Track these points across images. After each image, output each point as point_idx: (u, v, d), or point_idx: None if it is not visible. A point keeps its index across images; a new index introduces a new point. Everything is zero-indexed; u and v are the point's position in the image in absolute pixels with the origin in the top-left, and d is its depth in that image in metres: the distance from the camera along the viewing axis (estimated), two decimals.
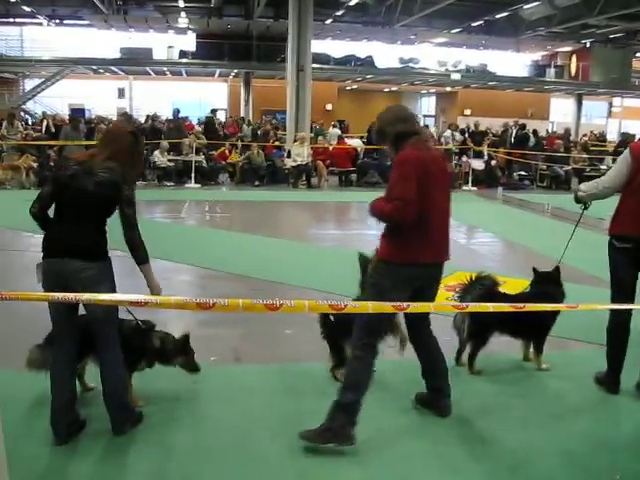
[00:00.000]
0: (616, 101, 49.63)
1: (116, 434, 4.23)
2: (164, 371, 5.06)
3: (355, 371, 4.31)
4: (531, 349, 5.77)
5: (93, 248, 4.06)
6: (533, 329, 5.56)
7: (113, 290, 4.10)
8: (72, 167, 4.06)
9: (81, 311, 4.16)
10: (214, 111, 33.38)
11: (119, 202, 4.08)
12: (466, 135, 23.61)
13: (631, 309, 4.99)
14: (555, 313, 5.44)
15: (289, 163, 19.87)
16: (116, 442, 4.20)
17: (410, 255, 4.24)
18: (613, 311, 5.07)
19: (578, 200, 5.40)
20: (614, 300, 5.06)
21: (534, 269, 5.80)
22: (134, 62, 35.42)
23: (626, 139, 19.23)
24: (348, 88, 46.54)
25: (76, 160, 4.15)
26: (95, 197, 3.99)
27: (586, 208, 5.45)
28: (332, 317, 5.04)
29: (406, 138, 4.27)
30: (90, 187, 3.96)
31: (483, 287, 5.40)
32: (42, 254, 4.07)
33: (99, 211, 4.08)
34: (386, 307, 3.70)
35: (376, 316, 4.10)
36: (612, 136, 38.17)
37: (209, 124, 24.71)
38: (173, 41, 36.44)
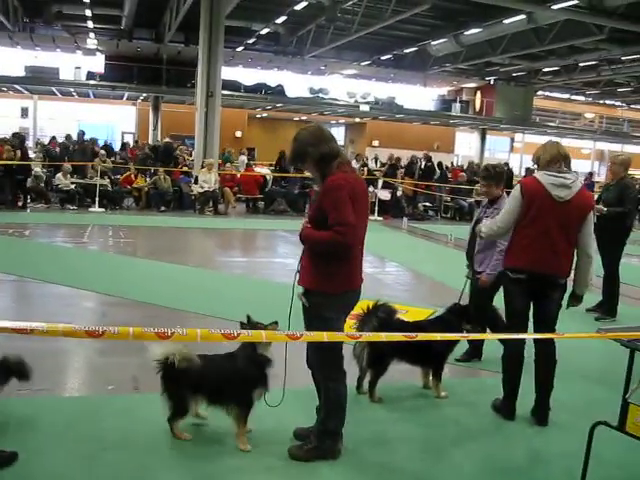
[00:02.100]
0: (518, 137, 51.59)
1: None
2: (57, 399, 4.89)
3: (333, 401, 4.36)
4: (430, 377, 5.86)
5: None
6: (430, 357, 5.66)
7: None
8: None
9: None
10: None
11: None
12: (376, 166, 24.01)
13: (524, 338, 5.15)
14: (452, 342, 5.57)
15: (196, 189, 19.70)
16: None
17: (346, 282, 4.24)
18: (508, 340, 5.21)
19: (481, 237, 5.60)
20: (509, 329, 5.20)
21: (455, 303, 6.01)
22: (39, 81, 34.48)
23: (530, 174, 19.90)
24: (258, 116, 46.69)
25: None
26: None
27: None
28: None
29: (331, 160, 4.17)
30: None
31: (381, 316, 5.42)
32: None
33: None
34: (280, 337, 3.67)
35: (331, 349, 4.21)
36: (515, 170, 39.50)
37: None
38: (81, 62, 35.75)
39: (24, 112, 35.38)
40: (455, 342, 5.61)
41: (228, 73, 30.35)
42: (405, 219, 19.57)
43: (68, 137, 23.63)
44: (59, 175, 18.59)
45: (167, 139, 25.86)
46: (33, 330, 2.90)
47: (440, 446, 4.81)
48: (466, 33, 28.88)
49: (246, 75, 37.71)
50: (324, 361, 4.35)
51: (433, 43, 31.98)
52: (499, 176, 6.52)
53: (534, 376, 5.27)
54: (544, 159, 5.12)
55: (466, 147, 49.52)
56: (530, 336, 5.21)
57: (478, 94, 42.72)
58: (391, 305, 5.66)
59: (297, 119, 47.70)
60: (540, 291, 5.13)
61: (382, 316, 5.40)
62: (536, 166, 5.27)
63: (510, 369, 5.27)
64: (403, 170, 23.70)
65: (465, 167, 27.24)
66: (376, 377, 5.58)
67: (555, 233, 5.00)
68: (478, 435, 5.09)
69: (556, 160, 5.08)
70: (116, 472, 4.12)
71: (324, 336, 3.79)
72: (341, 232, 3.99)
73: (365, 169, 23.47)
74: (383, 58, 36.16)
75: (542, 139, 41.81)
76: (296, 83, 38.98)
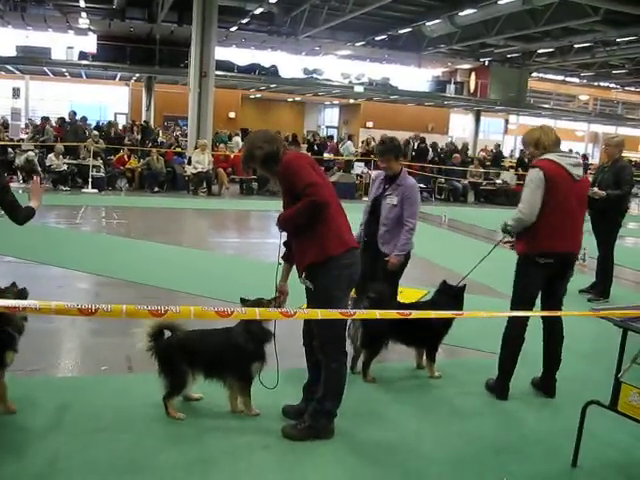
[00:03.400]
0: (512, 118, 51.47)
1: None
2: (51, 379, 4.90)
3: (332, 382, 4.40)
4: (424, 357, 5.88)
5: None
6: (425, 337, 5.67)
7: None
8: None
9: None
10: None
11: None
12: (370, 146, 23.94)
13: (528, 317, 5.22)
14: (447, 322, 5.58)
15: (190, 170, 19.64)
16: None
17: (341, 241, 4.31)
18: (514, 321, 5.26)
19: (507, 232, 5.42)
20: (517, 310, 5.25)
21: (444, 281, 5.93)
22: (31, 61, 34.22)
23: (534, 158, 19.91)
24: (252, 97, 46.48)
25: None
26: None
27: (511, 236, 5.51)
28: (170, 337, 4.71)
29: (275, 157, 4.36)
30: None
31: (372, 296, 5.43)
32: None
33: None
34: (274, 314, 3.69)
35: (333, 327, 4.24)
36: (507, 152, 39.58)
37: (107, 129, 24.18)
38: (73, 42, 35.49)
39: (15, 92, 35.02)
40: (450, 323, 5.62)
41: (221, 53, 30.15)
42: None
43: (62, 120, 23.45)
44: (51, 156, 18.49)
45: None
46: (25, 308, 2.90)
47: (434, 426, 4.84)
48: (461, 14, 28.67)
49: (240, 55, 37.49)
50: (328, 340, 4.37)
51: (428, 24, 31.76)
52: (397, 149, 6.17)
53: (543, 352, 5.46)
54: (548, 142, 5.17)
55: (460, 129, 49.41)
56: (534, 314, 5.28)
57: (473, 75, 42.58)
58: (383, 285, 5.67)
59: (291, 100, 47.58)
60: (560, 271, 5.25)
61: (373, 296, 5.41)
62: (531, 149, 5.29)
63: (511, 349, 5.33)
64: None
65: (460, 149, 27.20)
66: (370, 357, 5.61)
67: (576, 211, 5.18)
68: (472, 414, 5.12)
69: (558, 142, 5.21)
70: (111, 452, 4.13)
71: (318, 313, 3.79)
72: (312, 193, 4.13)
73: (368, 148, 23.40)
74: (377, 39, 35.94)
75: (536, 121, 41.87)
76: (290, 64, 38.81)
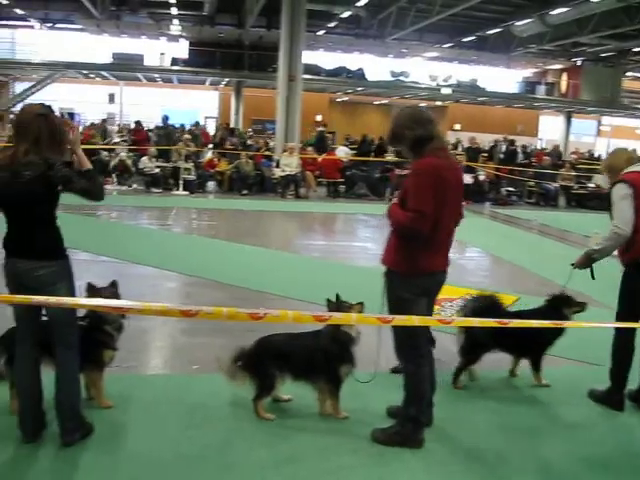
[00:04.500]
0: (605, 120, 50.00)
1: (65, 443, 4.09)
2: (145, 377, 5.01)
3: (413, 386, 4.36)
4: (517, 365, 5.77)
5: (43, 247, 3.94)
6: (532, 346, 5.55)
7: (70, 289, 3.98)
8: (2, 176, 3.87)
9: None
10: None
11: (56, 190, 3.92)
12: (459, 150, 23.68)
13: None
14: (558, 332, 5.44)
15: (278, 173, 19.85)
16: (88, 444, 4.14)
17: (425, 266, 4.20)
18: (623, 330, 5.09)
19: (592, 260, 5.16)
20: (623, 321, 5.07)
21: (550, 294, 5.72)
22: (125, 68, 35.35)
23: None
24: (338, 100, 46.66)
25: (3, 165, 3.91)
26: (28, 197, 3.85)
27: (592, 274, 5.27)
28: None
29: (425, 143, 4.15)
30: (20, 189, 3.83)
31: (483, 303, 5.41)
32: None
33: (38, 208, 3.94)
34: (371, 319, 3.68)
35: (407, 330, 4.16)
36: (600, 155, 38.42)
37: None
38: (165, 48, 36.43)
39: (111, 98, 36.28)
40: (561, 333, 5.45)
41: (309, 57, 30.39)
42: (487, 204, 19.27)
43: (157, 127, 24.17)
44: (144, 159, 19.03)
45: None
46: (130, 309, 2.99)
47: (529, 436, 4.72)
48: (552, 13, 28.05)
49: (327, 59, 37.70)
50: (402, 343, 4.34)
51: (517, 24, 31.23)
52: None
53: None
54: (620, 162, 5.16)
55: (550, 131, 48.32)
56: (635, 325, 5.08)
57: (564, 76, 41.53)
58: (496, 296, 5.63)
59: (377, 103, 47.49)
60: None
61: (480, 306, 5.37)
62: (608, 175, 5.30)
63: (620, 359, 5.17)
64: (487, 155, 23.33)
65: (549, 150, 26.60)
66: (465, 365, 5.53)
67: None
68: (577, 426, 4.95)
69: (632, 160, 5.14)
70: (201, 449, 4.21)
71: (415, 320, 3.77)
72: (416, 219, 3.99)
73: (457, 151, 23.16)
74: (465, 40, 35.56)
75: (631, 122, 40.42)
76: (377, 66, 38.74)
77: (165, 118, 23.93)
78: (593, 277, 5.24)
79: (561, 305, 5.54)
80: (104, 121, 29.02)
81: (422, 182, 4.04)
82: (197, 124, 26.56)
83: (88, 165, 4.04)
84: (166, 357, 6.20)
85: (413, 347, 4.32)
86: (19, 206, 3.91)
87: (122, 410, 4.66)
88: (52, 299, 3.52)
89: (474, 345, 5.42)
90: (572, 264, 5.28)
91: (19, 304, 3.91)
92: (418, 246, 4.13)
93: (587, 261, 5.16)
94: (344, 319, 3.88)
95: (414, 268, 4.17)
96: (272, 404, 4.85)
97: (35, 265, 3.89)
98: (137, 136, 22.64)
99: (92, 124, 27.59)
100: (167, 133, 21.89)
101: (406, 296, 4.19)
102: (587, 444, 4.65)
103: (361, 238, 14.00)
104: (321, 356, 4.61)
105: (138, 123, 24.35)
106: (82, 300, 3.51)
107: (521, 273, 10.50)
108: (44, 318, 4.08)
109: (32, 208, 3.91)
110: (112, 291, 4.64)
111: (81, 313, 4.37)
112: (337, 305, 4.64)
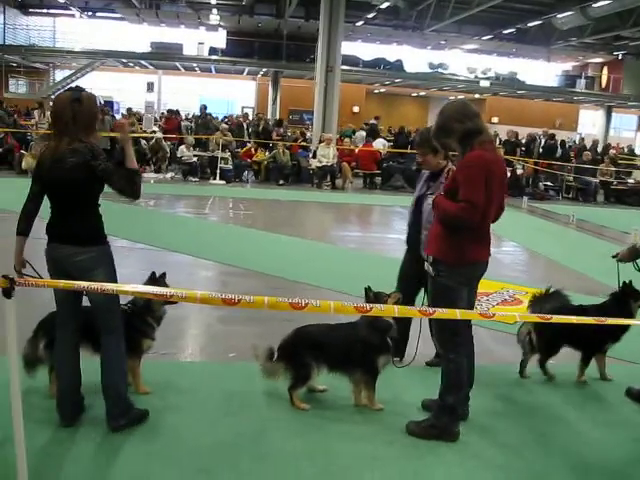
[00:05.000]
0: None
1: (111, 429, 4.15)
2: (182, 363, 5.05)
3: (452, 374, 4.37)
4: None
5: (84, 233, 4.01)
6: (599, 342, 5.52)
7: (110, 275, 4.04)
8: (47, 161, 3.96)
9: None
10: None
11: (97, 180, 3.96)
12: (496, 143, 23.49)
13: None
14: (624, 329, 5.38)
15: (314, 164, 19.87)
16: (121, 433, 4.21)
17: (470, 255, 4.26)
18: None
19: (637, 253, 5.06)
20: None
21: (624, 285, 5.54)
22: (164, 57, 35.62)
23: None
24: (376, 91, 46.51)
25: (47, 152, 4.01)
26: (71, 184, 3.91)
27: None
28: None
29: (474, 136, 4.17)
30: (63, 176, 3.89)
31: (556, 301, 5.46)
32: None
33: (81, 195, 4.00)
34: (412, 312, 3.68)
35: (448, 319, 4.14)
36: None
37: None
38: (204, 37, 36.61)
39: (150, 87, 36.50)
40: (626, 329, 5.38)
41: (347, 48, 30.33)
42: (525, 198, 19.08)
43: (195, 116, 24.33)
44: (182, 147, 19.15)
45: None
46: (172, 296, 3.02)
47: (573, 434, 4.69)
48: (594, 5, 27.67)
49: (365, 50, 37.60)
50: (442, 330, 4.35)
51: (558, 16, 30.84)
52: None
53: None
54: None
55: (590, 125, 47.71)
56: None
57: (605, 69, 40.99)
58: (565, 294, 5.64)
59: (415, 95, 47.28)
60: None
61: (557, 301, 5.46)
62: None
63: None
64: (524, 148, 23.11)
65: (589, 146, 26.26)
66: (545, 359, 5.60)
67: None
68: (613, 423, 4.89)
69: None
70: (237, 437, 4.25)
71: (457, 314, 3.77)
72: (467, 209, 4.02)
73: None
74: (505, 32, 35.23)
75: None
76: (415, 58, 38.58)
77: (203, 107, 24.04)
78: (639, 269, 5.12)
79: (629, 299, 5.46)
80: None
81: (473, 174, 4.08)
82: (230, 117, 26.62)
83: (134, 165, 4.08)
84: (202, 345, 6.25)
85: (453, 334, 4.32)
86: (61, 192, 3.97)
87: (160, 396, 4.71)
88: (94, 284, 3.57)
89: (549, 341, 5.46)
90: (613, 256, 5.22)
91: (61, 289, 3.97)
92: (466, 236, 4.18)
93: (632, 255, 5.09)
94: (386, 311, 3.88)
95: (461, 258, 4.21)
96: (307, 394, 4.88)
97: (75, 251, 3.95)
98: (168, 125, 22.79)
99: (129, 110, 27.77)
100: (205, 122, 22.00)
101: (451, 285, 4.22)
102: (626, 442, 4.61)
103: (397, 230, 13.91)
104: (360, 347, 4.62)
105: (170, 112, 24.49)
106: (126, 287, 3.55)
107: (557, 268, 10.40)
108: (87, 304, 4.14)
109: (74, 194, 3.97)
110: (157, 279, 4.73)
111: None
112: (374, 295, 4.66)
